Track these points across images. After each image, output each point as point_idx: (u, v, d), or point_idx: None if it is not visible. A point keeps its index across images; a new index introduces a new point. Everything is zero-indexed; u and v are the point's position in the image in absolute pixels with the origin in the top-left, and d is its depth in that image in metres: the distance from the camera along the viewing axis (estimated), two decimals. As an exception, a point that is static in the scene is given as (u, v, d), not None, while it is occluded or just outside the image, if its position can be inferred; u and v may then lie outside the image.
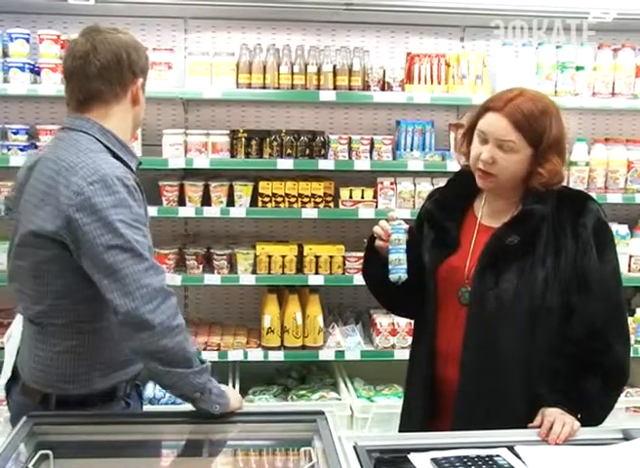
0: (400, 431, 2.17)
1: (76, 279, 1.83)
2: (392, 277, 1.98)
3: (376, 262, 2.08)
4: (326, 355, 3.67)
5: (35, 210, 1.84)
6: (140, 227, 1.82)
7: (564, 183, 2.04)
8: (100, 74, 1.88)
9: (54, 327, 1.89)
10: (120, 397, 1.98)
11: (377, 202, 3.67)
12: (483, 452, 1.70)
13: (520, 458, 1.70)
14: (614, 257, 1.99)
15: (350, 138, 3.66)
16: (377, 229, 2.04)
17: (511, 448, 1.75)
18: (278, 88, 3.57)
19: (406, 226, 2.00)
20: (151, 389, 3.48)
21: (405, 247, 1.97)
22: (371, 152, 3.67)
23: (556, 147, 1.94)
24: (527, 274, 1.93)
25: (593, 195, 2.10)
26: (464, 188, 2.10)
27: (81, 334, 1.89)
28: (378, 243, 2.05)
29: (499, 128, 1.92)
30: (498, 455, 1.69)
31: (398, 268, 1.97)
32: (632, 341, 3.67)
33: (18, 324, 2.07)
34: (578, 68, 3.74)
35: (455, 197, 2.12)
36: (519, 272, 1.94)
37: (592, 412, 1.94)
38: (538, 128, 1.91)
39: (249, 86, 3.58)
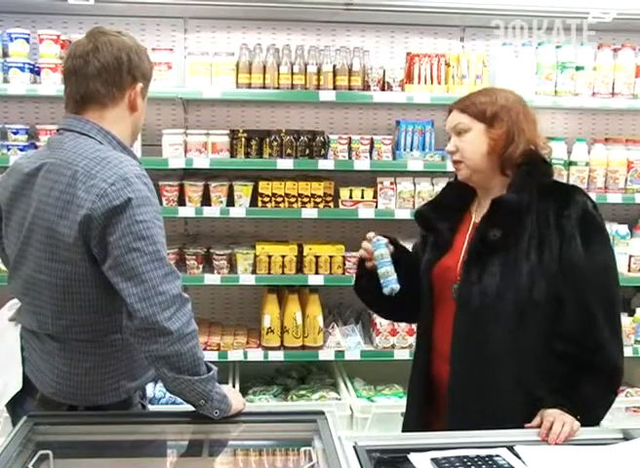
0: (403, 430, 2.18)
1: (103, 293, 1.80)
2: (386, 290, 2.03)
3: (370, 281, 2.11)
4: (326, 355, 3.66)
5: (57, 219, 1.76)
6: (162, 226, 1.80)
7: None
8: (99, 74, 1.83)
9: (79, 342, 1.85)
10: (138, 401, 1.99)
11: (376, 202, 3.67)
12: (483, 452, 1.70)
13: (520, 458, 1.70)
14: (604, 251, 1.96)
15: (350, 138, 3.66)
16: (361, 252, 2.13)
17: (511, 448, 1.75)
18: (278, 88, 3.57)
19: (385, 240, 2.07)
20: (151, 389, 3.48)
21: (390, 259, 2.04)
22: (371, 152, 3.67)
23: (505, 114, 1.98)
24: (511, 268, 1.93)
25: (593, 195, 2.10)
26: (462, 190, 2.13)
27: (108, 347, 1.87)
28: (367, 264, 2.11)
29: (452, 120, 2.05)
30: (497, 455, 1.69)
31: (389, 280, 2.02)
32: (632, 341, 3.74)
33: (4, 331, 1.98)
34: (577, 68, 3.73)
35: (453, 198, 2.15)
36: (503, 266, 1.94)
37: (589, 412, 1.93)
38: (480, 104, 2.01)
39: (249, 86, 3.58)
